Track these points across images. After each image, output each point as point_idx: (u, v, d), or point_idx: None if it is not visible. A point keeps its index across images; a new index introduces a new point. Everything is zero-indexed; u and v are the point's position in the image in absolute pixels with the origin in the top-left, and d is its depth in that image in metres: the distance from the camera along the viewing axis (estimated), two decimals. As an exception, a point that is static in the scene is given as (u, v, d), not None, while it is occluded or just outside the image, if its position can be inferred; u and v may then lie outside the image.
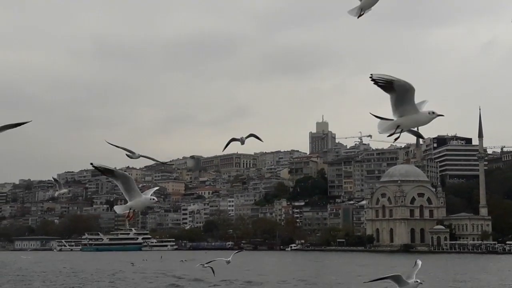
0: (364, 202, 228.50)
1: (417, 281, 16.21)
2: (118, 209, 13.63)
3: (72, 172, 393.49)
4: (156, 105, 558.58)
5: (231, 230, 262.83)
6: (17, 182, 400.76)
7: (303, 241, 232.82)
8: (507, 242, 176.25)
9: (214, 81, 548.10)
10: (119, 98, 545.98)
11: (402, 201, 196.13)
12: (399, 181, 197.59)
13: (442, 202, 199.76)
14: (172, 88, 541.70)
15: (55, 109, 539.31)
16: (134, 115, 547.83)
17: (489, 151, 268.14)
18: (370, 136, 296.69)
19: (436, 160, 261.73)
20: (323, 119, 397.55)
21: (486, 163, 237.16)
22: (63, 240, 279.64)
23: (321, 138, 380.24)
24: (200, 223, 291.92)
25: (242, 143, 22.79)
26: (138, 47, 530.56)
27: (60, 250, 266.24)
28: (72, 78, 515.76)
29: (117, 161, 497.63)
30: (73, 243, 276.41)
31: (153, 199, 13.52)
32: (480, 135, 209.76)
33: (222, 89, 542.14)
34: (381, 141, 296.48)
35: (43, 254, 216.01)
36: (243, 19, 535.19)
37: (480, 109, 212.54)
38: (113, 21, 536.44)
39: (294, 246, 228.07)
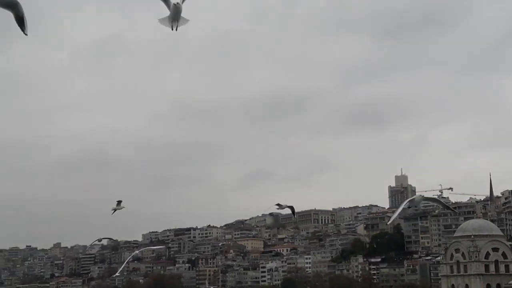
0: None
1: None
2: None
3: (156, 232, 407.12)
4: (235, 162, 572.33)
5: (308, 287, 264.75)
6: (105, 243, 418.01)
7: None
8: None
9: (292, 136, 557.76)
10: (199, 156, 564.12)
11: (476, 256, 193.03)
12: (472, 236, 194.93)
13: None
14: (251, 145, 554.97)
15: (138, 170, 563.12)
16: (214, 173, 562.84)
17: None
18: (451, 188, 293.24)
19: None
20: (402, 172, 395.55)
21: None
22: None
23: (400, 192, 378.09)
24: (278, 280, 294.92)
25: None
26: (216, 106, 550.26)
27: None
28: (154, 138, 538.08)
29: (198, 221, 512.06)
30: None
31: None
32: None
33: (300, 144, 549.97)
34: (462, 194, 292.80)
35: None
36: (319, 74, 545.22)
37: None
38: (192, 82, 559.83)
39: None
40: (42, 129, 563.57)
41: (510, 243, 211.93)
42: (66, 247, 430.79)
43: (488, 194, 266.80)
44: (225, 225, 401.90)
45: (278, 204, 23.42)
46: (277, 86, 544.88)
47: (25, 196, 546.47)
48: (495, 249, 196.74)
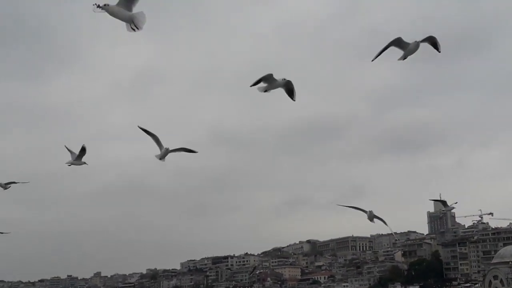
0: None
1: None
2: None
3: (194, 260, 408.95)
4: (272, 190, 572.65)
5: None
6: (144, 272, 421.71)
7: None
8: None
9: (329, 162, 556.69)
10: (235, 184, 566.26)
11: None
12: (510, 262, 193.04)
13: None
14: (287, 172, 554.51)
15: (176, 198, 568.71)
16: (250, 200, 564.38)
17: None
18: (491, 214, 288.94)
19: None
20: (440, 197, 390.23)
21: None
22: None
23: (439, 217, 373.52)
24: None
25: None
26: (252, 134, 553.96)
27: None
28: (191, 166, 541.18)
29: (236, 248, 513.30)
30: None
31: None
32: None
33: (337, 170, 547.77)
34: (502, 219, 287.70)
35: None
36: (354, 99, 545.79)
37: None
38: (228, 110, 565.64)
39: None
40: (83, 159, 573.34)
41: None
42: (106, 276, 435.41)
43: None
44: (262, 253, 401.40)
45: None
46: (313, 113, 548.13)
47: (65, 225, 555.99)
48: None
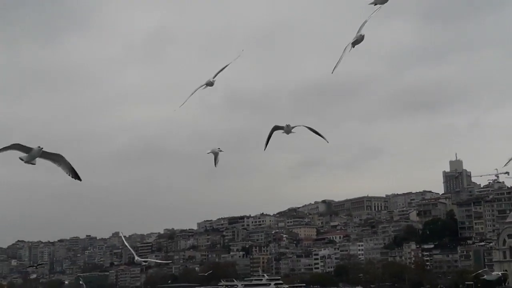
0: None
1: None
2: None
3: (211, 220, 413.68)
4: (287, 151, 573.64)
5: (361, 275, 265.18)
6: (161, 232, 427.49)
7: (429, 285, 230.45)
8: None
9: (344, 123, 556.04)
10: (251, 146, 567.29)
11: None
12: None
13: None
14: (303, 133, 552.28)
15: (192, 160, 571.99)
16: (266, 162, 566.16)
17: None
18: (507, 173, 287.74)
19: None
20: (456, 157, 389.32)
21: None
22: (202, 287, 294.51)
23: (455, 177, 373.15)
24: (331, 267, 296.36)
25: (288, 132, 17.64)
26: (267, 95, 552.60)
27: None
28: (207, 128, 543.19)
29: (251, 208, 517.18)
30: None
31: None
32: None
33: (353, 131, 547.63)
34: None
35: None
36: (371, 59, 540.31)
37: None
38: (243, 72, 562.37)
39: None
40: (98, 120, 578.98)
41: None
42: (125, 236, 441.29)
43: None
44: (278, 213, 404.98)
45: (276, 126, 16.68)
46: (328, 73, 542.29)
47: (84, 187, 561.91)
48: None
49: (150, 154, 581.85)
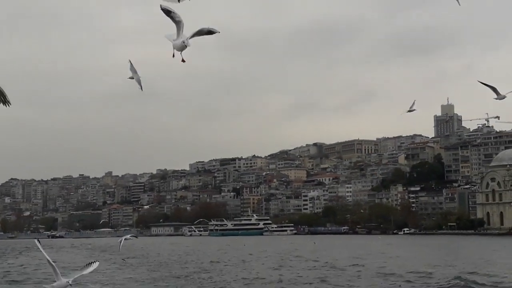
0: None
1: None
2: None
3: (203, 161, 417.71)
4: (280, 93, 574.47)
5: (348, 216, 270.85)
6: (154, 172, 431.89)
7: (414, 226, 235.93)
8: None
9: (337, 66, 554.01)
10: (244, 87, 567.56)
11: (511, 185, 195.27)
12: (508, 165, 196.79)
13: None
14: (296, 75, 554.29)
15: (185, 101, 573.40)
16: (260, 104, 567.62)
17: None
18: (497, 117, 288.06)
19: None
20: (448, 101, 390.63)
21: None
22: (193, 226, 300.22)
23: (445, 121, 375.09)
24: (319, 208, 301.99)
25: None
26: (261, 37, 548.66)
27: (191, 235, 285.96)
28: (199, 69, 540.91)
29: (243, 151, 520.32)
30: (201, 229, 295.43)
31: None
32: None
33: (346, 74, 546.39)
34: (509, 123, 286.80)
35: (174, 238, 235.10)
36: (364, 2, 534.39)
37: None
38: (237, 12, 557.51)
39: (407, 230, 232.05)
40: (91, 60, 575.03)
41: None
42: (117, 175, 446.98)
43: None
44: (269, 155, 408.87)
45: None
46: (323, 15, 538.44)
47: (77, 125, 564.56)
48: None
49: (142, 95, 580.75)
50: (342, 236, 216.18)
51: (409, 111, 34.14)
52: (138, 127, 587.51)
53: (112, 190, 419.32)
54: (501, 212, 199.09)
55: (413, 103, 33.77)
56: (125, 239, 35.97)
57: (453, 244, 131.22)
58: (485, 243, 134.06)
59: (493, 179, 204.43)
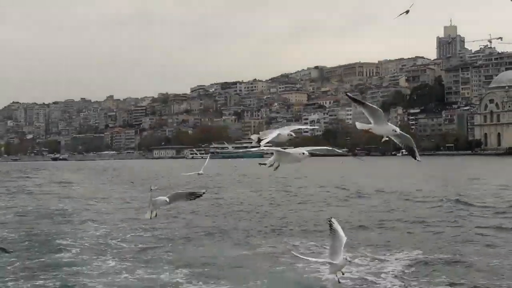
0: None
1: None
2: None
3: (204, 85, 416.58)
4: (281, 14, 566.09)
5: (348, 138, 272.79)
6: (155, 96, 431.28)
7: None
8: None
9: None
10: (245, 9, 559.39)
11: (509, 106, 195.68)
12: (506, 87, 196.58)
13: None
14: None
15: (185, 24, 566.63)
16: (260, 26, 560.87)
17: None
18: (500, 38, 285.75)
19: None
20: (451, 22, 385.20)
21: None
22: (194, 149, 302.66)
23: (448, 42, 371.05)
24: (319, 131, 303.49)
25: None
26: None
27: (192, 158, 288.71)
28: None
29: (244, 75, 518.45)
30: (203, 151, 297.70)
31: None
32: None
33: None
34: (510, 44, 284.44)
35: (173, 161, 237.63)
36: None
37: None
38: None
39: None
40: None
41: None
42: (119, 99, 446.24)
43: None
44: (270, 79, 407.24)
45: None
46: None
47: (78, 49, 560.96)
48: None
49: (144, 18, 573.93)
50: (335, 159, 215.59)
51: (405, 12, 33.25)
52: (139, 50, 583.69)
53: (114, 113, 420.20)
54: (499, 133, 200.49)
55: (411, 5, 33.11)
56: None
57: (444, 165, 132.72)
58: (479, 163, 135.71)
59: (491, 101, 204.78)
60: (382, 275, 19.79)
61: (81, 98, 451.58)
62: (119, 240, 28.15)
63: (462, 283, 18.57)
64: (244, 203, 46.16)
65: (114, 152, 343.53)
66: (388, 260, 22.15)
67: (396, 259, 22.34)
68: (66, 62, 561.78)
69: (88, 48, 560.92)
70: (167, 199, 11.93)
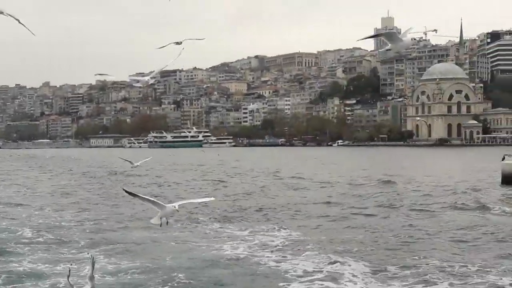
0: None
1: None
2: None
3: (143, 73, 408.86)
4: (224, 3, 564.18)
5: (286, 128, 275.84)
6: (93, 83, 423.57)
7: (348, 137, 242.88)
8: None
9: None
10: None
11: (440, 98, 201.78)
12: (437, 79, 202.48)
13: (479, 98, 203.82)
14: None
15: (126, 9, 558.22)
16: (199, 13, 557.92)
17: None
18: (435, 30, 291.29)
19: (488, 56, 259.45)
20: (388, 14, 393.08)
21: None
22: (132, 138, 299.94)
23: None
24: (258, 121, 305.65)
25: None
26: None
27: (130, 147, 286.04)
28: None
29: (183, 63, 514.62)
30: (141, 141, 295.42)
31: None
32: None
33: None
34: (445, 36, 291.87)
35: (111, 150, 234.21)
36: None
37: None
38: None
39: (341, 142, 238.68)
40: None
41: (480, 85, 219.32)
42: (55, 86, 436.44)
43: (466, 37, 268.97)
44: (211, 68, 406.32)
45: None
46: None
47: (12, 34, 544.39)
48: (459, 91, 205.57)
49: (83, 4, 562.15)
50: (275, 148, 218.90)
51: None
52: (76, 36, 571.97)
53: (50, 101, 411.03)
54: (429, 125, 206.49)
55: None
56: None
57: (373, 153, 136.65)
58: (406, 153, 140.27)
59: (423, 93, 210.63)
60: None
61: (16, 85, 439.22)
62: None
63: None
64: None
65: (49, 140, 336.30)
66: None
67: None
68: (1, 47, 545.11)
69: (25, 33, 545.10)
70: (177, 207, 11.94)
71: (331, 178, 59.27)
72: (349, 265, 19.28)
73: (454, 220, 29.70)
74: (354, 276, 17.99)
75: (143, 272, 19.12)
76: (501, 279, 17.62)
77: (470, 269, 18.73)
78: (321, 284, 17.44)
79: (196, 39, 18.53)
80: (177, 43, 16.77)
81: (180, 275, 18.58)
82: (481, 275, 17.98)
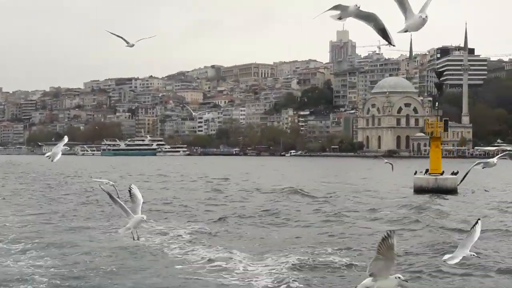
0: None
1: None
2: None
3: (98, 81, 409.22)
4: (180, 9, 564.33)
5: (241, 138, 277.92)
6: (47, 90, 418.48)
7: (301, 148, 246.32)
8: (476, 148, 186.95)
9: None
10: (146, 4, 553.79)
11: (389, 111, 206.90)
12: (387, 93, 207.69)
13: (427, 112, 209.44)
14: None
15: (81, 16, 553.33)
16: (159, 22, 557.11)
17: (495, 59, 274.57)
18: (389, 44, 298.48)
19: (439, 71, 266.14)
20: (343, 27, 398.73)
21: (486, 72, 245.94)
22: (85, 146, 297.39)
23: (340, 47, 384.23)
24: (213, 130, 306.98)
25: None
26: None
27: (83, 154, 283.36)
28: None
29: (139, 71, 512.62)
30: (94, 148, 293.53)
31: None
32: (465, 47, 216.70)
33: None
34: (397, 51, 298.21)
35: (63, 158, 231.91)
36: None
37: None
38: None
39: (294, 152, 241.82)
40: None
41: (428, 98, 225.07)
42: (8, 92, 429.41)
43: (417, 52, 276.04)
44: (167, 77, 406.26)
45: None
46: None
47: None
48: (407, 105, 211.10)
49: (36, 9, 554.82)
50: (228, 158, 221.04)
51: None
52: (30, 41, 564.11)
53: (2, 107, 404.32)
54: (379, 136, 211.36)
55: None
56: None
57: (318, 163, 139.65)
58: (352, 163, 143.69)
59: (373, 105, 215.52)
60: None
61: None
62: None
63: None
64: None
65: (1, 147, 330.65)
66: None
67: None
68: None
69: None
70: (145, 218, 11.65)
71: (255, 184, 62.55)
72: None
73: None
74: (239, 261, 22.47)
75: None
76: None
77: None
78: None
79: (148, 37, 18.82)
80: (128, 44, 16.65)
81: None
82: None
